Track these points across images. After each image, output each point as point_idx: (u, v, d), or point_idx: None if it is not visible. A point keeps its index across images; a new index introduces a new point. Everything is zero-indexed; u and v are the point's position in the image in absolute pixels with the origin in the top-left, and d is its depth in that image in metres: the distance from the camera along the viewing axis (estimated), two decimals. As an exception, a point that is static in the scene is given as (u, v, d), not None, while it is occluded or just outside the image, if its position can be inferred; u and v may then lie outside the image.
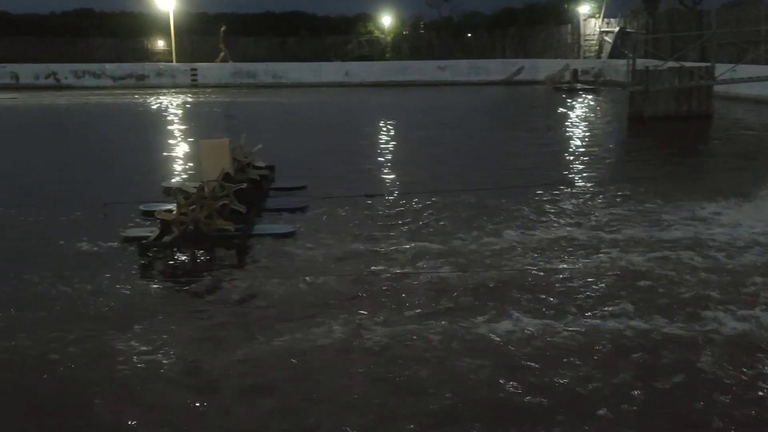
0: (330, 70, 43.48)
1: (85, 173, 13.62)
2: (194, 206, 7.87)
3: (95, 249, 7.99)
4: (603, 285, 6.65)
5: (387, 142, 17.77)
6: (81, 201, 10.32)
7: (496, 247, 7.86)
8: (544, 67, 40.68)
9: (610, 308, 6.02)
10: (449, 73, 42.85)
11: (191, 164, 13.64)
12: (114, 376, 4.99)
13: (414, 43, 57.78)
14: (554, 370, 4.94)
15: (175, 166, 14.19)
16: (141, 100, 31.92)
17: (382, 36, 59.39)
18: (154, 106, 29.66)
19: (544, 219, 9.16)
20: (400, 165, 14.14)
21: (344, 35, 58.90)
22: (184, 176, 12.31)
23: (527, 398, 4.59)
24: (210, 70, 42.64)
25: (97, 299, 6.46)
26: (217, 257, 7.78)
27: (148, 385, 4.86)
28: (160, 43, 55.97)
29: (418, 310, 6.09)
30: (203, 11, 67.19)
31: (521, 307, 6.06)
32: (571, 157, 14.90)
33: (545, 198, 10.41)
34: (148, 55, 54.23)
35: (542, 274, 6.98)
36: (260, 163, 11.16)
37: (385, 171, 13.49)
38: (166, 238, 7.88)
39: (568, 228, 8.65)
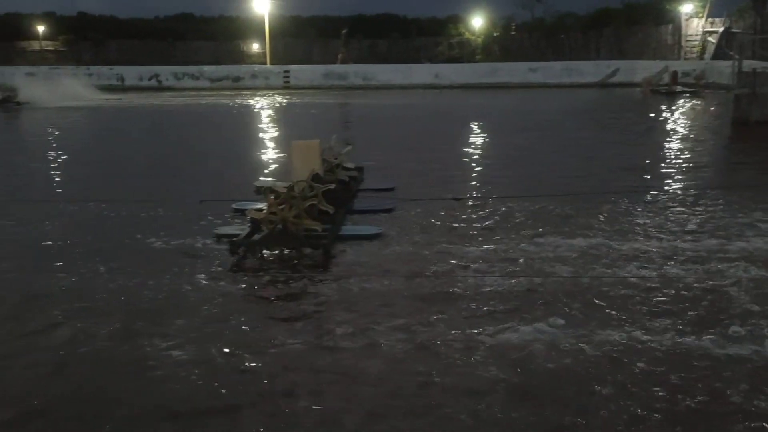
0: (420, 72, 43.54)
1: (183, 171, 14.11)
2: (283, 206, 7.96)
3: (190, 245, 8.21)
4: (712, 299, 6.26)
5: (477, 145, 17.54)
6: (178, 198, 10.69)
7: (576, 254, 7.58)
8: (642, 69, 39.26)
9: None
10: (541, 75, 42.04)
11: (284, 164, 13.88)
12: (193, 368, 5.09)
13: (505, 44, 57.05)
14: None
15: (268, 165, 14.48)
16: (236, 101, 32.91)
17: (473, 38, 58.96)
18: (249, 107, 30.49)
19: (637, 226, 8.75)
20: (490, 168, 13.89)
21: (434, 37, 58.87)
22: (276, 176, 12.53)
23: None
24: (302, 72, 43.54)
25: (189, 294, 6.63)
26: (304, 257, 7.83)
27: (230, 378, 4.94)
28: (255, 46, 57.71)
29: (499, 314, 5.93)
30: (296, 14, 68.80)
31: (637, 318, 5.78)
32: (670, 162, 14.22)
33: (640, 204, 9.96)
34: (244, 58, 55.98)
35: (636, 281, 6.65)
36: (349, 165, 11.21)
37: (475, 173, 13.28)
38: (256, 237, 8.01)
39: (665, 236, 8.23)
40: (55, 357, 5.34)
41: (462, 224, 9.10)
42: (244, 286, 7.02)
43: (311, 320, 6.04)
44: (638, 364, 5.01)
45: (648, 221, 9.02)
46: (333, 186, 9.09)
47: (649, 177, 12.42)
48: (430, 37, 59.07)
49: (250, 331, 5.81)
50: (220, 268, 7.42)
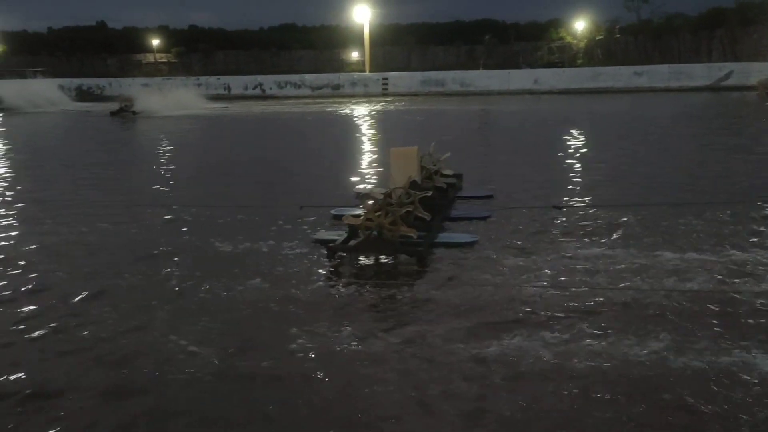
0: (518, 78, 42.90)
1: (285, 177, 14.48)
2: (380, 212, 8.02)
3: (290, 249, 8.41)
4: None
5: (578, 152, 17.06)
6: (280, 204, 11.00)
7: (683, 266, 7.20)
8: (757, 72, 37.00)
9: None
10: (647, 79, 40.47)
11: (383, 171, 14.00)
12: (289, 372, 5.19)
13: (608, 48, 55.29)
14: None
15: (368, 172, 14.66)
16: (336, 109, 33.56)
17: (574, 42, 57.53)
18: (349, 114, 31.00)
19: (755, 238, 8.23)
20: (592, 175, 13.46)
21: (534, 42, 57.86)
22: (377, 183, 12.65)
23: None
24: (400, 79, 43.86)
25: (285, 297, 6.78)
26: (399, 263, 7.86)
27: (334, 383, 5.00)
28: (355, 54, 58.68)
29: (595, 327, 5.71)
30: (396, 22, 69.52)
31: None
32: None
33: (755, 214, 9.36)
34: (343, 66, 57.03)
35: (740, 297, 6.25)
36: (448, 171, 11.17)
37: (576, 181, 12.91)
38: (352, 242, 8.11)
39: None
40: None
41: (561, 233, 8.86)
42: (340, 291, 7.11)
43: (404, 327, 6.03)
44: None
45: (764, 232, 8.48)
46: (430, 193, 9.08)
47: (762, 186, 11.66)
48: (530, 41, 58.11)
49: (347, 336, 5.86)
50: (317, 273, 7.55)
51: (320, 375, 5.17)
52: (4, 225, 10.40)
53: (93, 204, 11.84)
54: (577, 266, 7.42)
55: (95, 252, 8.77)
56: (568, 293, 6.63)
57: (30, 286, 7.37)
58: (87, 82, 46.81)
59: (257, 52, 60.62)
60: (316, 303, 6.66)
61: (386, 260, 7.97)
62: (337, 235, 8.50)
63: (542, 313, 6.17)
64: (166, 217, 10.61)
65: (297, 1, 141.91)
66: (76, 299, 6.93)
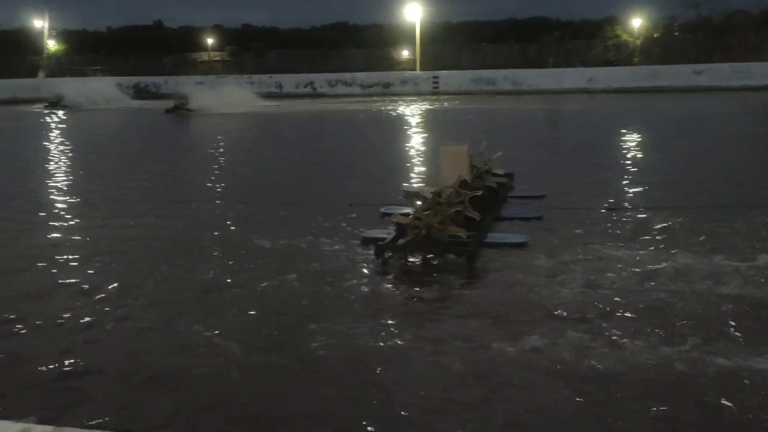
0: (572, 77, 42.17)
1: (335, 175, 14.51)
2: (428, 211, 7.93)
3: (338, 247, 8.39)
4: None
5: (634, 152, 16.61)
6: (329, 201, 11.00)
7: (721, 270, 6.91)
8: (826, 70, 35.52)
9: None
10: (706, 78, 39.28)
11: (431, 169, 13.88)
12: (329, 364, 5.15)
13: (666, 46, 53.83)
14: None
15: (418, 170, 14.55)
16: (386, 107, 33.55)
17: (630, 39, 56.23)
18: (399, 113, 30.96)
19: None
20: (648, 176, 13.07)
21: (589, 40, 56.74)
22: (426, 181, 12.55)
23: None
24: (451, 78, 43.60)
25: (316, 293, 6.77)
26: (447, 263, 7.76)
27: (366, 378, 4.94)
28: (405, 53, 58.57)
29: (641, 335, 5.50)
30: (447, 20, 69.10)
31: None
32: None
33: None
34: (394, 64, 57.00)
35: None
36: (499, 171, 11.00)
37: (630, 182, 12.55)
38: (400, 241, 8.04)
39: None
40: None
41: (614, 235, 8.62)
42: (387, 288, 7.05)
43: (451, 326, 5.93)
44: None
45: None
46: (480, 192, 8.94)
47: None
48: (585, 39, 56.98)
49: (391, 334, 5.79)
50: (365, 271, 7.51)
51: (340, 372, 5.15)
52: (57, 216, 10.71)
53: (143, 198, 12.15)
54: (628, 267, 7.20)
55: (137, 245, 8.95)
56: (608, 294, 6.47)
57: (69, 279, 7.52)
58: (144, 80, 47.92)
59: (309, 51, 61.09)
60: (345, 299, 6.65)
61: (434, 259, 7.87)
62: (386, 234, 8.44)
63: (575, 314, 6.04)
64: (211, 212, 10.75)
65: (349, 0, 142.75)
66: (111, 290, 7.05)
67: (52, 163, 17.29)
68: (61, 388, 5.01)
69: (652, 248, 7.95)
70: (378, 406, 4.67)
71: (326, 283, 7.06)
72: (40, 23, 56.24)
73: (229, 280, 7.30)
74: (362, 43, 62.16)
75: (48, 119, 31.68)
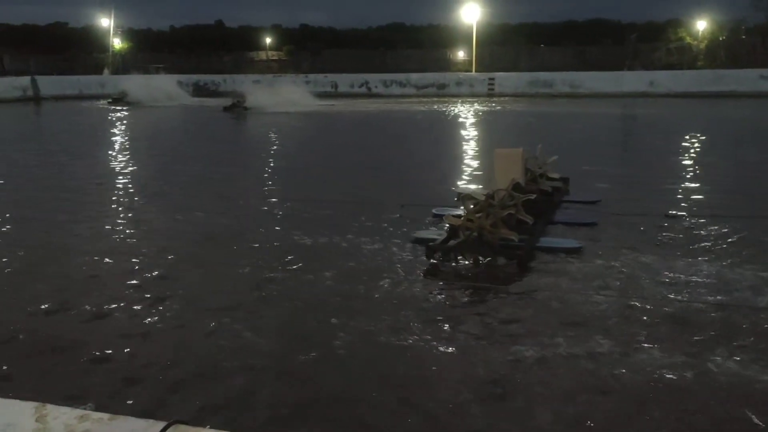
0: (632, 80, 41.23)
1: (388, 175, 14.53)
2: (481, 214, 7.87)
3: (388, 247, 8.40)
4: None
5: (696, 159, 16.13)
6: (381, 201, 11.02)
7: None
8: None
9: None
10: (775, 83, 37.86)
11: (485, 172, 13.78)
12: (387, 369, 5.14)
13: (732, 49, 52.07)
14: None
15: (471, 172, 14.45)
16: (441, 108, 33.45)
17: (694, 42, 54.67)
18: (453, 114, 30.83)
19: None
20: (710, 184, 12.66)
21: (651, 42, 55.38)
22: (480, 184, 12.47)
23: None
24: (507, 80, 43.16)
25: (349, 292, 6.80)
26: (498, 266, 7.68)
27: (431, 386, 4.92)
28: (461, 54, 58.29)
29: (691, 345, 5.32)
30: (505, 22, 68.58)
31: None
32: None
33: None
34: (449, 65, 56.77)
35: None
36: (554, 175, 10.83)
37: (692, 190, 12.17)
38: (452, 243, 8.00)
39: None
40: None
41: (672, 244, 8.38)
42: (436, 291, 7.02)
43: (499, 331, 5.86)
44: None
45: None
46: (533, 196, 8.83)
47: None
48: (646, 42, 55.63)
49: (438, 336, 5.76)
50: (416, 271, 7.50)
51: (359, 373, 5.16)
52: (110, 209, 11.07)
53: (194, 193, 12.43)
54: (683, 278, 6.99)
55: (180, 238, 9.21)
56: (655, 304, 6.29)
57: (112, 270, 7.76)
58: (203, 78, 48.95)
59: (365, 51, 61.43)
60: (376, 299, 6.65)
61: (485, 262, 7.80)
62: (438, 235, 8.42)
63: (617, 323, 5.90)
64: (258, 209, 10.94)
65: (407, 0, 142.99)
66: (151, 284, 7.24)
67: (110, 155, 17.82)
68: (104, 376, 5.16)
69: (706, 258, 7.71)
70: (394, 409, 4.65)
71: (361, 282, 7.09)
72: (106, 22, 58.03)
73: (265, 276, 7.41)
74: (418, 44, 62.17)
75: (110, 114, 32.67)
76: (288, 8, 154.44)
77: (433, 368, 5.20)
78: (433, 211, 9.95)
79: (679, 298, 6.47)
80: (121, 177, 14.36)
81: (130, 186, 13.25)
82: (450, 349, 5.51)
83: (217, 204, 11.44)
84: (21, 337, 5.90)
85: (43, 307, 6.57)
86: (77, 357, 5.47)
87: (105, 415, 1.88)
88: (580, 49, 57.18)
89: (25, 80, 43.59)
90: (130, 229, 9.67)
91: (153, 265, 7.88)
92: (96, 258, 8.14)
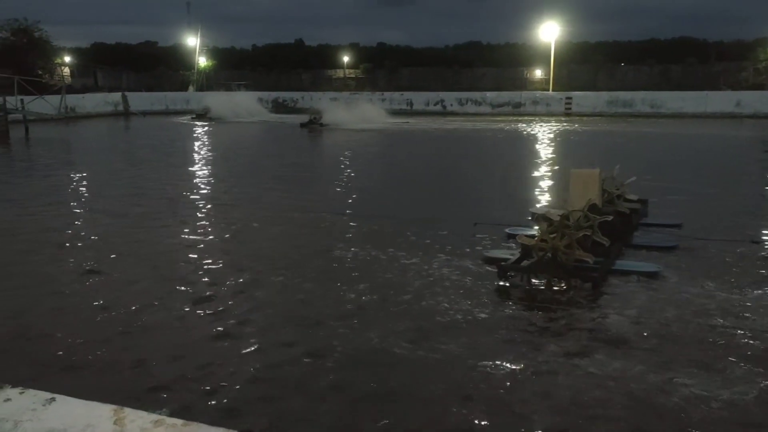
0: (717, 100, 39.69)
1: (461, 192, 14.52)
2: (555, 234, 7.78)
3: (460, 265, 8.40)
4: None
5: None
6: (454, 219, 11.03)
7: None
8: None
9: None
10: None
11: (560, 192, 13.57)
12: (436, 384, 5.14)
13: (828, 70, 49.55)
14: None
15: (545, 192, 14.28)
16: (516, 127, 33.14)
17: (785, 62, 52.22)
18: (529, 133, 30.47)
19: None
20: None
21: (738, 62, 53.30)
22: (554, 204, 12.30)
23: None
24: (585, 99, 42.35)
25: (453, 313, 6.77)
26: (572, 288, 7.55)
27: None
28: (538, 72, 57.65)
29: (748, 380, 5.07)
30: (584, 40, 67.44)
31: None
32: None
33: None
34: (526, 84, 56.21)
35: None
36: (632, 196, 10.58)
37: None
38: (525, 263, 7.92)
39: None
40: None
41: (751, 272, 8.04)
42: (508, 311, 6.97)
43: (573, 355, 5.76)
44: None
45: None
46: (610, 218, 8.66)
47: None
48: (733, 61, 53.59)
49: (513, 359, 5.72)
50: (485, 290, 7.46)
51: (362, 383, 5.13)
52: (189, 216, 11.58)
53: (263, 205, 12.86)
54: (751, 308, 6.70)
55: (228, 245, 9.70)
56: (734, 336, 6.07)
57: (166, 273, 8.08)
58: (282, 95, 50.13)
59: (440, 69, 61.61)
60: (480, 318, 6.59)
61: (559, 283, 7.69)
62: (510, 254, 8.36)
63: (695, 352, 5.67)
64: (312, 222, 11.21)
65: (485, 19, 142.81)
66: (201, 284, 7.46)
67: (191, 167, 18.49)
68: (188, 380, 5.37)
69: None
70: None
71: (506, 306, 7.13)
72: (193, 41, 60.39)
73: (298, 287, 7.70)
74: (494, 63, 61.88)
75: (195, 129, 33.90)
76: (366, 27, 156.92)
77: (503, 389, 5.17)
78: (506, 230, 9.88)
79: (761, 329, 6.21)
80: (197, 187, 14.88)
81: (204, 195, 13.74)
82: (520, 372, 5.47)
83: (276, 216, 11.79)
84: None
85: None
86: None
87: (179, 421, 1.98)
88: (663, 68, 55.61)
89: (117, 96, 45.77)
90: (194, 236, 10.09)
91: (201, 271, 8.31)
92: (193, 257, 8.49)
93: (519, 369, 5.50)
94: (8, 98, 29.94)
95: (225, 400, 5.03)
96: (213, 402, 5.00)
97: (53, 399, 2.16)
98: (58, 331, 6.39)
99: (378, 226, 10.76)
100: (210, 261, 8.79)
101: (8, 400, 2.15)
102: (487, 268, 8.21)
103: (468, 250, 9.08)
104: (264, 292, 7.56)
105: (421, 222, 10.89)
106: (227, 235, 10.32)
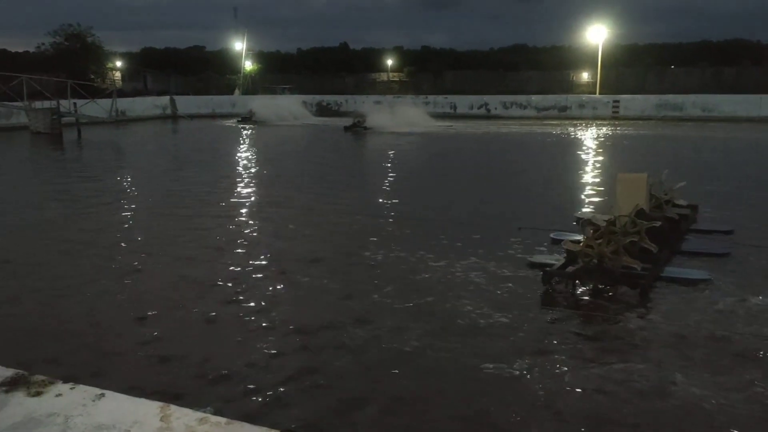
0: (773, 104, 38.51)
1: (504, 197, 14.40)
2: (601, 240, 7.64)
3: (503, 269, 8.32)
4: None
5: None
6: (497, 223, 10.94)
7: None
8: None
9: None
10: None
11: (606, 197, 13.35)
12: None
13: None
14: None
15: (590, 197, 14.05)
16: (562, 130, 32.72)
17: None
18: (575, 137, 30.07)
19: None
20: None
21: (795, 63, 51.66)
22: (600, 209, 12.09)
23: None
24: (633, 102, 41.57)
25: (498, 318, 6.71)
26: (619, 294, 7.41)
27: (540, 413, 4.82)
28: (584, 75, 56.83)
29: None
30: (633, 42, 66.26)
31: None
32: None
33: None
34: (572, 87, 55.44)
35: None
36: (681, 202, 10.34)
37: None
38: (570, 268, 7.80)
39: None
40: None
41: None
42: (554, 316, 6.87)
43: (620, 363, 5.64)
44: None
45: None
46: (658, 223, 8.46)
47: None
48: (789, 63, 51.99)
49: (557, 366, 5.63)
50: (529, 296, 7.38)
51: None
52: (230, 217, 11.81)
53: (301, 206, 13.01)
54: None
55: (258, 245, 9.86)
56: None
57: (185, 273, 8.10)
58: (326, 98, 50.48)
59: (484, 73, 61.25)
60: (524, 325, 6.52)
61: (605, 289, 7.55)
62: (555, 260, 8.25)
63: (745, 362, 5.44)
64: (346, 224, 11.30)
65: (530, 22, 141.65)
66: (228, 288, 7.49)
67: (235, 169, 18.75)
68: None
69: None
70: None
71: (551, 312, 7.05)
72: (239, 45, 61.26)
73: (317, 286, 7.83)
74: (540, 66, 61.24)
75: (240, 132, 34.39)
76: (410, 31, 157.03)
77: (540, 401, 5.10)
78: (551, 235, 9.75)
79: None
80: (239, 187, 15.10)
81: (246, 196, 13.93)
82: (560, 378, 5.38)
83: (310, 216, 11.99)
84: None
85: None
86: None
87: (222, 420, 2.01)
88: (715, 70, 54.24)
89: (165, 99, 46.75)
90: (238, 232, 10.24)
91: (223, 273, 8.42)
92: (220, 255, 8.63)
93: (564, 374, 5.41)
94: (62, 102, 30.89)
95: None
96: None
97: (102, 395, 2.21)
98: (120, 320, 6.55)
99: (413, 228, 10.78)
100: (250, 261, 8.90)
101: (59, 395, 2.21)
102: (532, 272, 8.11)
103: (510, 253, 8.99)
104: (290, 293, 7.64)
105: (468, 226, 10.83)
106: (265, 236, 10.49)
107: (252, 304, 7.23)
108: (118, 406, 2.15)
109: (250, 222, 11.74)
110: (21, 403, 2.15)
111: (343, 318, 6.75)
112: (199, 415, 2.06)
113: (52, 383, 2.27)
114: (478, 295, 7.34)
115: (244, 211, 12.72)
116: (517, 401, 5.02)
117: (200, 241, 10.17)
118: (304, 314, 6.95)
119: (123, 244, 10.04)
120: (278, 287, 7.87)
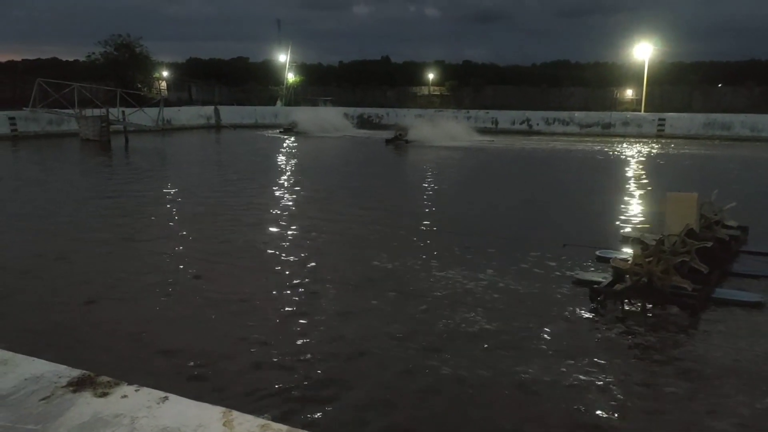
0: (828, 124, 37.46)
1: (548, 214, 14.24)
2: (651, 259, 7.51)
3: (548, 287, 8.23)
4: None
5: None
6: (542, 240, 10.82)
7: None
8: None
9: None
10: None
11: (654, 216, 13.11)
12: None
13: None
14: None
15: (636, 215, 13.79)
16: (606, 148, 32.31)
17: None
18: (619, 154, 29.65)
19: None
20: None
21: None
22: (646, 228, 11.89)
23: None
24: (679, 120, 40.84)
25: (543, 335, 6.62)
26: (668, 315, 7.25)
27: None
28: (629, 93, 56.08)
29: None
30: (679, 60, 65.29)
31: None
32: None
33: None
34: (616, 104, 54.73)
35: None
36: (731, 223, 10.11)
37: None
38: (618, 287, 7.67)
39: None
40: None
41: None
42: (599, 336, 6.76)
43: (665, 387, 5.51)
44: None
45: None
46: (709, 244, 8.28)
47: None
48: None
49: (605, 387, 5.53)
50: (577, 313, 7.27)
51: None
52: (265, 224, 11.90)
53: (337, 218, 13.04)
54: None
55: (283, 252, 9.89)
56: None
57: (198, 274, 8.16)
58: (367, 111, 50.74)
59: (526, 88, 60.87)
60: (570, 342, 6.43)
61: (654, 309, 7.40)
62: (601, 278, 8.13)
63: None
64: (365, 236, 11.34)
65: (573, 38, 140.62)
66: (307, 271, 7.48)
67: (276, 178, 18.94)
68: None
69: None
70: None
71: (598, 330, 6.98)
72: (283, 57, 62.06)
73: (327, 293, 7.96)
74: (583, 82, 60.65)
75: (282, 143, 34.77)
76: (452, 45, 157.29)
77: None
78: (597, 252, 9.62)
79: None
80: (278, 196, 15.25)
81: (285, 204, 14.06)
82: (605, 401, 5.28)
83: (334, 226, 12.09)
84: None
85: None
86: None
87: (284, 427, 2.01)
88: (764, 89, 52.99)
89: (209, 109, 47.56)
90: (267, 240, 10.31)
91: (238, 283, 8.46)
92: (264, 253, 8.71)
93: (606, 396, 5.31)
94: (111, 110, 31.68)
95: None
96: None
97: (166, 398, 2.23)
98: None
99: (451, 241, 10.75)
100: (298, 274, 8.97)
101: (125, 396, 2.24)
102: (579, 290, 8.00)
103: (556, 271, 8.88)
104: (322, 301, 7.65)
105: (511, 241, 10.74)
106: (298, 248, 10.53)
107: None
108: (182, 409, 2.18)
109: (286, 231, 11.80)
110: (89, 403, 2.19)
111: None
112: (261, 421, 2.08)
113: (117, 384, 2.31)
114: (526, 310, 7.26)
115: (280, 218, 12.83)
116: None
117: (236, 246, 10.28)
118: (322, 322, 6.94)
119: (175, 240, 10.22)
120: (301, 295, 7.91)
